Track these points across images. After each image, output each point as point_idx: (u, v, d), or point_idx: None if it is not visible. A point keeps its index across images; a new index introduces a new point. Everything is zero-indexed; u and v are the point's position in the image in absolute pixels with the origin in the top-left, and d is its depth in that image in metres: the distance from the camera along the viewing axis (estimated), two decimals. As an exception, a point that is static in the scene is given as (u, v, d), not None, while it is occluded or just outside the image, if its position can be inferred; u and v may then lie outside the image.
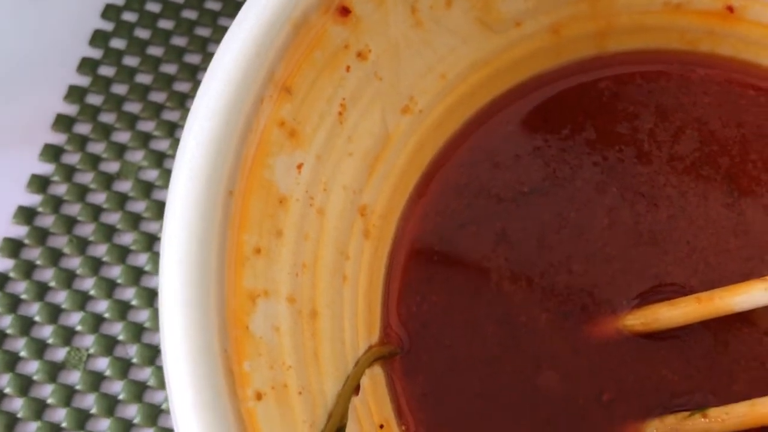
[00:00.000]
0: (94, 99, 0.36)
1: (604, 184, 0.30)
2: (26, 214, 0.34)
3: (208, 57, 0.36)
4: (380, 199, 0.28)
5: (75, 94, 0.36)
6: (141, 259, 0.33)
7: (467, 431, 0.27)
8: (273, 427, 0.21)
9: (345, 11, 0.26)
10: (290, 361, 0.23)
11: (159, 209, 0.34)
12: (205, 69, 0.35)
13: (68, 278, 0.33)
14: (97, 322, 0.32)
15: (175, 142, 0.35)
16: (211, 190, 0.21)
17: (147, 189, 0.34)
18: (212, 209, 0.21)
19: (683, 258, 0.29)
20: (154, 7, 0.37)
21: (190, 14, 0.37)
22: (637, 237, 0.30)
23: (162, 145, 0.35)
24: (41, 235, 0.34)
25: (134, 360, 0.32)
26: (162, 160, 0.35)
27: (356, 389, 0.25)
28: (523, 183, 0.30)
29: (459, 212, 0.30)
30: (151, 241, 0.33)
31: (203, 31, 0.37)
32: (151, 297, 0.33)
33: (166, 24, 0.37)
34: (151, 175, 0.35)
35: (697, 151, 0.31)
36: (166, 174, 0.34)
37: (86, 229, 0.34)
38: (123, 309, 0.33)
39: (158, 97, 0.36)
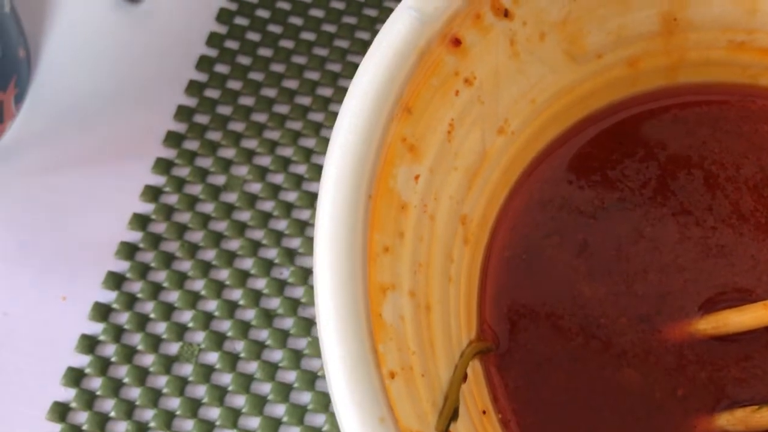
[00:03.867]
0: (201, 118, 0.39)
1: (674, 202, 0.34)
2: (140, 221, 0.37)
3: (304, 83, 0.40)
4: (477, 210, 0.32)
5: (183, 113, 0.39)
6: (247, 263, 0.37)
7: (554, 421, 0.30)
8: (403, 402, 0.24)
9: (457, 42, 0.29)
10: (413, 347, 0.26)
11: (263, 218, 0.37)
12: (301, 93, 0.39)
13: (180, 279, 0.36)
14: (207, 319, 0.36)
15: (277, 159, 0.38)
16: (355, 193, 0.25)
17: (251, 200, 0.38)
18: (355, 210, 0.25)
19: (748, 269, 0.32)
20: (254, 36, 0.41)
21: (287, 43, 0.41)
22: (705, 250, 0.33)
23: (264, 161, 0.38)
24: (154, 240, 0.37)
25: (242, 354, 0.35)
26: (265, 174, 0.38)
27: (464, 377, 0.28)
28: (602, 199, 0.34)
29: (543, 224, 0.33)
30: (256, 247, 0.37)
31: (299, 59, 0.41)
32: (256, 297, 0.36)
33: (265, 52, 0.41)
34: (255, 187, 0.38)
35: (759, 174, 0.34)
36: (269, 187, 0.38)
37: (196, 236, 0.37)
38: (231, 308, 0.36)
39: (260, 117, 0.39)
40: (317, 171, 0.38)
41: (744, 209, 0.33)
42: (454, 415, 0.26)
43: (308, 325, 0.35)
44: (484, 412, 0.29)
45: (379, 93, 0.26)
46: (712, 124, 0.35)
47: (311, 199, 0.37)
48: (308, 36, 0.41)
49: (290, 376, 0.35)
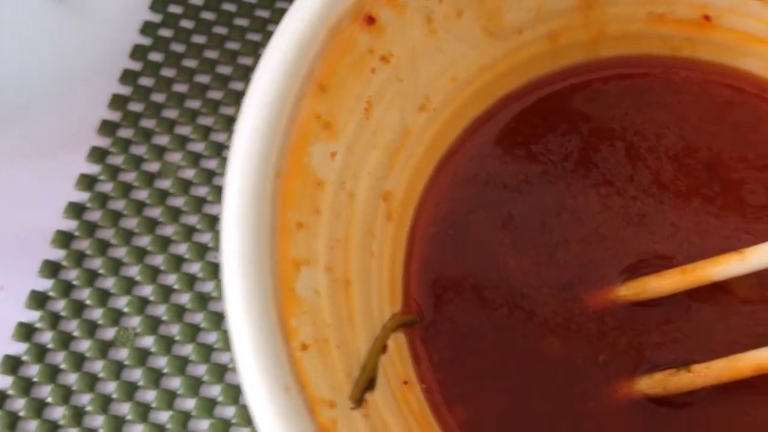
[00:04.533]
0: (136, 106, 0.40)
1: (597, 173, 0.34)
2: (76, 210, 0.37)
3: (238, 68, 0.40)
4: (400, 187, 0.32)
5: (118, 102, 0.40)
6: (182, 249, 0.37)
7: (478, 389, 0.31)
8: (316, 373, 0.25)
9: (371, 20, 0.29)
10: (329, 319, 0.27)
11: (197, 204, 0.37)
12: (234, 78, 0.39)
13: (115, 266, 0.37)
14: (142, 304, 0.36)
15: (210, 144, 0.39)
16: (261, 171, 0.25)
17: (185, 186, 0.38)
18: (263, 188, 0.25)
19: (668, 237, 0.33)
20: (188, 24, 0.41)
21: (221, 29, 0.41)
22: (626, 219, 0.33)
23: (198, 147, 0.39)
24: (90, 228, 0.37)
25: (177, 338, 0.35)
26: (198, 161, 0.38)
27: (384, 349, 0.29)
28: (526, 173, 0.34)
29: (469, 199, 0.34)
30: (190, 232, 0.37)
31: (233, 45, 0.41)
32: (191, 281, 0.36)
33: (199, 39, 0.41)
34: (189, 173, 0.38)
35: (680, 144, 0.35)
36: (203, 173, 0.38)
37: (131, 223, 0.37)
38: (166, 293, 0.36)
39: (193, 104, 0.40)
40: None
41: (665, 178, 0.34)
42: (370, 385, 0.27)
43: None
44: (405, 383, 0.29)
45: (288, 70, 0.27)
46: (634, 97, 0.36)
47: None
48: (242, 22, 0.42)
49: (225, 358, 0.35)
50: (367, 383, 0.27)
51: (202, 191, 0.38)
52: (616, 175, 0.34)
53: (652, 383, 0.30)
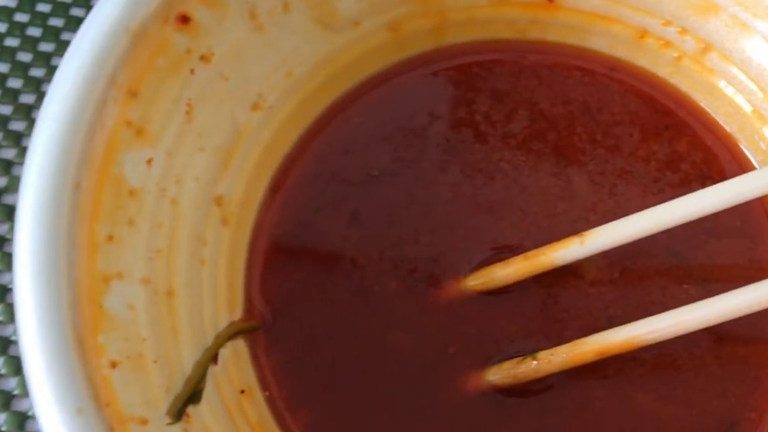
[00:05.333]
0: None
1: (446, 163, 0.34)
2: None
3: (51, 70, 0.39)
4: (237, 190, 0.31)
5: None
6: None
7: (327, 391, 0.30)
8: (128, 390, 0.24)
9: (185, 19, 0.28)
10: (146, 334, 0.26)
11: (9, 212, 0.36)
12: (49, 82, 0.38)
13: None
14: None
15: (22, 150, 0.37)
16: (57, 183, 0.24)
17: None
18: (59, 201, 0.24)
19: (517, 223, 0.33)
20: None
21: (34, 31, 0.40)
22: (476, 207, 0.33)
23: (9, 153, 0.37)
24: None
25: (2, 371, 0.34)
26: (10, 168, 0.37)
27: (214, 359, 0.28)
28: (373, 167, 0.33)
29: (314, 198, 0.33)
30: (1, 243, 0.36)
31: (47, 47, 0.40)
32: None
33: (12, 42, 0.40)
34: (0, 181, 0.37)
35: (529, 128, 0.34)
36: (15, 180, 0.37)
37: None
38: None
39: (4, 110, 0.38)
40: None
41: (513, 164, 0.34)
42: (195, 398, 0.26)
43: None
44: (243, 392, 0.28)
45: (86, 78, 0.25)
46: (482, 83, 0.35)
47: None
48: (56, 22, 0.40)
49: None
50: (189, 397, 0.26)
51: (13, 198, 0.37)
52: (465, 163, 0.34)
53: (500, 372, 0.30)
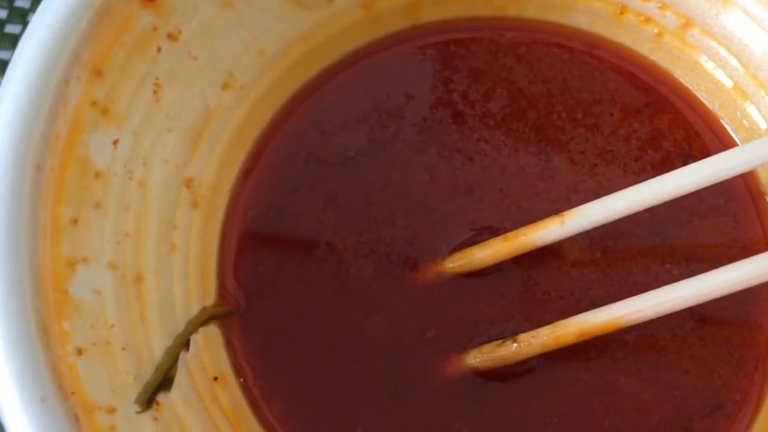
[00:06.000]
0: None
1: (423, 144, 0.33)
2: None
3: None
4: (208, 172, 0.30)
5: None
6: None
7: (303, 378, 0.29)
8: (95, 378, 0.23)
9: (151, -4, 0.28)
10: (113, 320, 0.25)
11: None
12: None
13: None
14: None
15: None
16: (17, 165, 0.23)
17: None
18: (19, 183, 0.23)
19: (497, 204, 0.32)
20: None
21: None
22: (454, 189, 0.32)
23: None
24: None
25: None
26: None
27: (186, 345, 0.27)
28: (349, 148, 0.33)
29: (289, 179, 0.32)
30: None
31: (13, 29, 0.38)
32: None
33: None
34: None
35: (507, 108, 0.34)
36: None
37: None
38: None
39: None
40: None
41: (492, 144, 0.33)
42: (165, 385, 0.25)
43: None
44: (215, 379, 0.28)
45: (47, 56, 0.24)
46: (459, 61, 0.35)
47: None
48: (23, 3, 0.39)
49: None
50: (159, 384, 0.25)
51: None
52: (442, 144, 0.33)
53: (480, 356, 0.29)
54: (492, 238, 0.31)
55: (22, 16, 0.39)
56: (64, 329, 0.23)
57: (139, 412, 0.24)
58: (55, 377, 0.22)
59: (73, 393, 0.22)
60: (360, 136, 0.33)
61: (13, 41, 0.38)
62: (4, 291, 0.22)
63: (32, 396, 0.21)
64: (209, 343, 0.28)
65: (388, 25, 0.34)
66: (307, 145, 0.33)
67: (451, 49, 0.35)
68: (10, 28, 0.39)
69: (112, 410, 0.23)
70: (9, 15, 0.39)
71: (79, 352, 0.23)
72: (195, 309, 0.28)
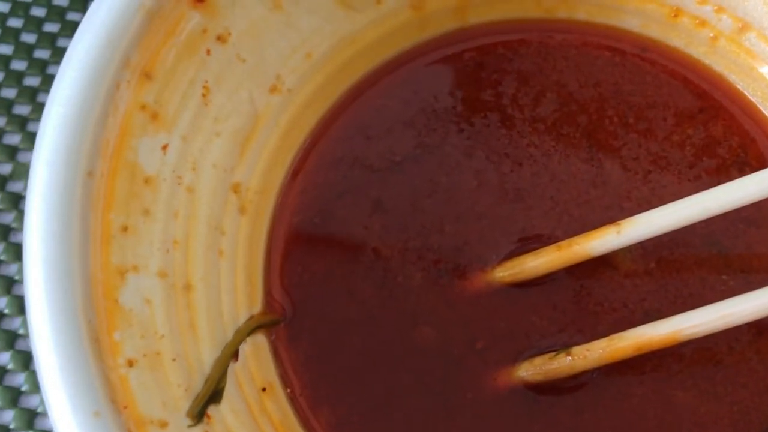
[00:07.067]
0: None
1: (471, 148, 0.32)
2: None
3: (57, 51, 0.37)
4: (255, 177, 0.30)
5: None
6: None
7: (351, 388, 0.29)
8: (146, 391, 0.23)
9: (200, -2, 0.27)
10: (163, 330, 0.24)
11: (14, 200, 0.35)
12: (54, 63, 0.36)
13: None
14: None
15: (27, 135, 0.36)
16: (69, 171, 0.23)
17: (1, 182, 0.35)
18: (71, 190, 0.22)
19: (547, 211, 0.31)
20: (2, 8, 0.38)
21: (38, 11, 0.38)
22: (503, 195, 0.31)
23: (14, 139, 0.36)
24: None
25: (9, 366, 0.32)
26: (15, 154, 0.35)
27: (235, 356, 0.26)
28: (395, 153, 0.32)
29: (335, 184, 0.31)
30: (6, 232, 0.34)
31: (51, 27, 0.38)
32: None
33: (15, 23, 0.38)
34: (4, 169, 0.35)
35: (557, 112, 0.33)
36: (20, 166, 0.35)
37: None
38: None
39: (8, 93, 0.37)
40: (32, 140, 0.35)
41: (542, 149, 0.32)
42: (215, 398, 0.25)
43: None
44: (264, 390, 0.27)
45: (98, 60, 0.24)
46: (508, 64, 0.34)
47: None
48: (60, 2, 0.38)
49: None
50: (210, 396, 0.24)
51: (5, 169, 0.35)
52: (491, 149, 0.32)
53: (532, 368, 0.28)
54: (542, 246, 0.30)
55: (24, 9, 0.38)
56: (115, 340, 0.23)
57: (190, 426, 0.23)
58: (109, 390, 0.21)
59: (125, 407, 0.22)
60: (407, 141, 0.32)
61: (14, 35, 0.38)
62: (57, 302, 0.21)
63: (86, 410, 0.20)
64: (257, 353, 0.28)
65: (436, 27, 0.33)
66: (353, 149, 0.32)
67: (499, 51, 0.34)
68: (12, 22, 0.38)
69: (164, 425, 0.22)
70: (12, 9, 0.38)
71: (130, 363, 0.23)
72: (242, 318, 0.28)
